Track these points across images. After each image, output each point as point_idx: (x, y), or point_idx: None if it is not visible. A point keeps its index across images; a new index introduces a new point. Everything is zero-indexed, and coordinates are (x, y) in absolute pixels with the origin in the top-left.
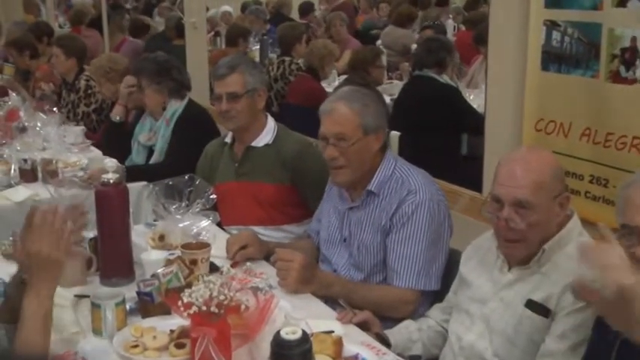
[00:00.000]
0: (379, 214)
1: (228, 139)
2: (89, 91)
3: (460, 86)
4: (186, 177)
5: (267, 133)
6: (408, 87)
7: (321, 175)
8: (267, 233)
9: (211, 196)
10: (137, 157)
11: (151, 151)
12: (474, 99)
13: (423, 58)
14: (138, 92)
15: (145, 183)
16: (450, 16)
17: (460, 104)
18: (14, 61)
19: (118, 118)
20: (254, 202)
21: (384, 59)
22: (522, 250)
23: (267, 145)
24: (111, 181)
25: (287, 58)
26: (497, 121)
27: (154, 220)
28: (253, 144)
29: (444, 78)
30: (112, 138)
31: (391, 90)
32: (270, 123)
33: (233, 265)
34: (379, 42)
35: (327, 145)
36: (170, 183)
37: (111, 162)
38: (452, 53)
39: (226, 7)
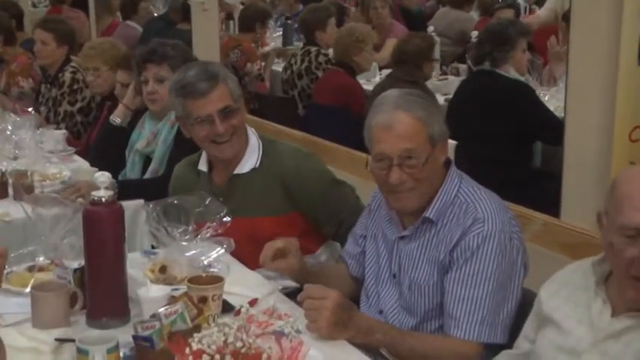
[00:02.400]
0: (436, 247)
1: (202, 167)
2: (75, 87)
3: (532, 83)
4: (193, 194)
5: (252, 154)
6: (467, 85)
7: (329, 189)
8: (277, 276)
9: (225, 219)
10: (132, 170)
11: (147, 161)
12: (550, 99)
13: (486, 49)
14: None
15: (141, 201)
16: None
17: (533, 106)
18: None
19: (118, 121)
20: (253, 243)
21: (437, 50)
22: None
23: (253, 169)
24: (103, 199)
25: (313, 49)
26: (579, 128)
27: (153, 248)
28: (237, 171)
29: (512, 73)
30: (107, 146)
31: (445, 88)
32: (253, 138)
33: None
34: (431, 28)
35: (390, 167)
36: (175, 202)
37: (103, 176)
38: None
39: None
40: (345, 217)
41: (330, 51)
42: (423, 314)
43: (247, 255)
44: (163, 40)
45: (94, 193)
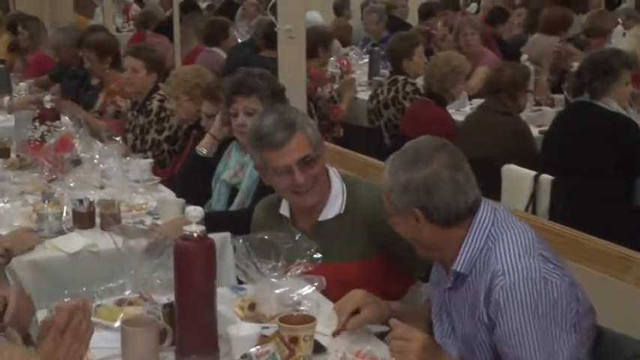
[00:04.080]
0: (473, 302)
1: (284, 211)
2: (162, 115)
3: (634, 116)
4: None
5: (336, 199)
6: (564, 117)
7: None
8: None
9: (315, 256)
10: (218, 201)
11: (234, 192)
12: None
13: (586, 79)
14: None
15: (227, 234)
16: (620, 20)
17: (635, 140)
18: (91, 68)
19: (204, 151)
20: (339, 288)
21: (532, 81)
22: None
23: (338, 215)
24: (195, 234)
25: (400, 78)
26: None
27: (240, 283)
28: (321, 218)
29: (614, 106)
30: (193, 176)
31: (540, 120)
32: (336, 182)
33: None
34: (525, 57)
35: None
36: (265, 237)
37: (195, 210)
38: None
39: (314, 14)
40: None
41: (419, 80)
42: None
43: (334, 300)
44: (250, 69)
45: (185, 227)
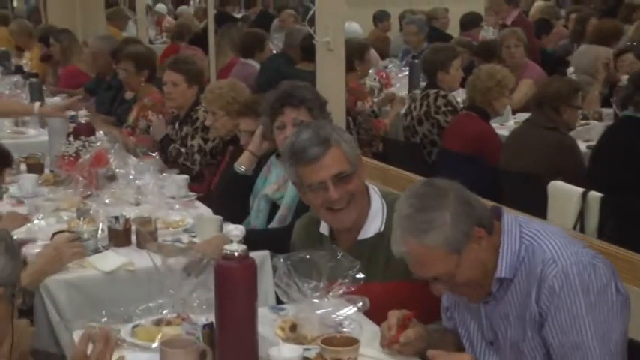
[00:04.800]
0: (522, 303)
1: (324, 230)
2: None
3: None
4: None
5: (376, 216)
6: (611, 132)
7: None
8: None
9: (358, 275)
10: (257, 218)
11: (273, 208)
12: None
13: (629, 92)
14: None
15: (266, 252)
16: None
17: None
18: (126, 79)
19: (243, 169)
20: (379, 307)
21: (580, 96)
22: None
23: (379, 233)
24: (235, 253)
25: (432, 92)
26: None
27: (279, 303)
28: (360, 237)
29: None
30: (230, 193)
31: (587, 134)
32: (376, 200)
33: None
34: (571, 69)
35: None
36: (307, 257)
37: (237, 229)
38: None
39: (353, 26)
40: None
41: (452, 94)
42: None
43: (376, 321)
44: (294, 81)
45: (225, 247)
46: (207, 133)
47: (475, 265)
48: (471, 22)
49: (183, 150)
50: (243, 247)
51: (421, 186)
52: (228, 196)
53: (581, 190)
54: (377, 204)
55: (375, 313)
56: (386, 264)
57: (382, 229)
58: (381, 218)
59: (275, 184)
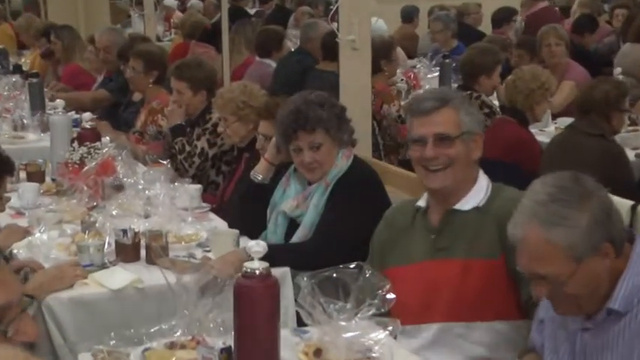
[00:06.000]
0: (629, 343)
1: (422, 203)
2: (219, 130)
3: None
4: (351, 266)
5: (478, 192)
6: None
7: None
8: (470, 334)
9: (388, 297)
10: (274, 233)
11: (292, 224)
12: None
13: None
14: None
15: (286, 269)
16: None
17: None
18: (133, 79)
19: (260, 178)
20: (457, 288)
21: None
22: None
23: (476, 208)
24: (257, 271)
25: (465, 94)
26: None
27: (300, 325)
28: (457, 206)
29: None
30: (246, 204)
31: (636, 141)
32: (483, 180)
33: None
34: (618, 70)
35: (534, 283)
36: (333, 275)
37: (258, 245)
38: None
39: (379, 23)
40: None
41: (489, 98)
42: None
43: (451, 299)
44: (307, 96)
45: (246, 264)
46: (216, 137)
47: (589, 283)
48: (502, 18)
49: (188, 148)
50: (265, 264)
51: (567, 178)
52: (244, 206)
53: (630, 202)
54: (483, 182)
55: (450, 289)
56: (472, 240)
57: (481, 204)
58: (483, 194)
59: (294, 199)
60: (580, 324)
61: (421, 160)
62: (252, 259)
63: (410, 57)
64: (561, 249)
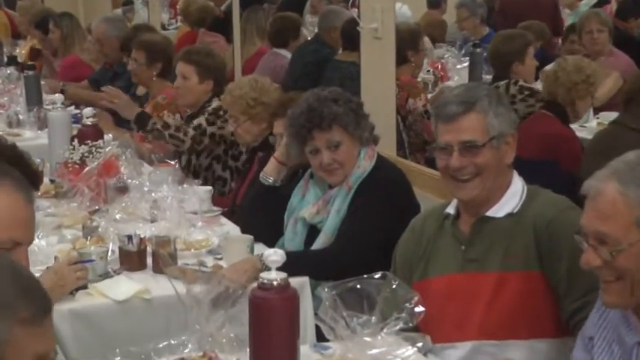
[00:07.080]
0: None
1: (451, 210)
2: (220, 112)
3: None
4: (376, 275)
5: (512, 197)
6: None
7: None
8: (504, 354)
9: (417, 310)
10: (292, 241)
11: (312, 231)
12: None
13: None
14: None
15: (305, 279)
16: None
17: None
18: (135, 71)
19: (271, 180)
20: (489, 304)
21: None
22: None
23: (510, 214)
24: (274, 282)
25: (501, 83)
26: None
27: (320, 340)
28: (489, 213)
29: None
30: (259, 208)
31: None
32: (517, 183)
33: None
34: None
35: (587, 248)
36: (357, 286)
37: (275, 254)
38: None
39: (404, 9)
40: (592, 298)
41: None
42: None
43: (481, 317)
44: (319, 92)
45: (263, 275)
46: (217, 118)
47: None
48: None
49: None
50: (283, 275)
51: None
52: (256, 211)
53: None
54: (517, 185)
55: (482, 304)
56: (506, 251)
57: (516, 210)
58: (518, 199)
59: (314, 205)
60: (637, 337)
61: (448, 170)
62: (268, 269)
63: (437, 45)
64: (633, 211)
